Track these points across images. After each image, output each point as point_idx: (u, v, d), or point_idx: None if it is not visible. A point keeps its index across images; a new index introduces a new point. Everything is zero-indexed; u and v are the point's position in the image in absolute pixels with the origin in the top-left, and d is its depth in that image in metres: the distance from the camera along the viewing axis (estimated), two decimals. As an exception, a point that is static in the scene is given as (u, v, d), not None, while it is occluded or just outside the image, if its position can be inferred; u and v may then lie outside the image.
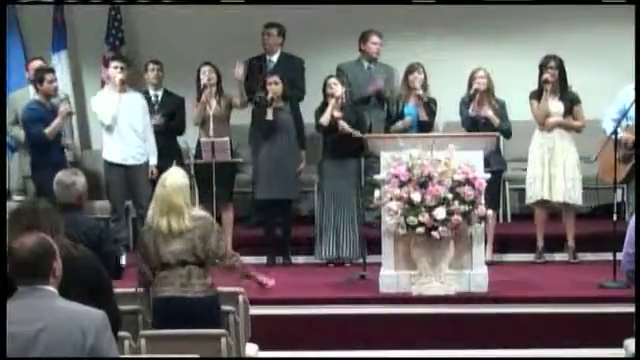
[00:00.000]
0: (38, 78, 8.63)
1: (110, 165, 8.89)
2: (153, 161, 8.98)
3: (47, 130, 8.49)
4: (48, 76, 8.64)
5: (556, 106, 8.63)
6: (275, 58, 9.69)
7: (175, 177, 5.66)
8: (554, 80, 8.59)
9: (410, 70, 8.78)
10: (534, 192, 8.65)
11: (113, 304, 4.72)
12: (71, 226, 5.43)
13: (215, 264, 5.67)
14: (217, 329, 5.36)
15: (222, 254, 5.65)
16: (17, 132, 9.09)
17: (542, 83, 8.58)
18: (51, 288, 3.54)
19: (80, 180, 5.81)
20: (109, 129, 8.85)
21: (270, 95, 8.83)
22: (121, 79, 8.84)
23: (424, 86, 8.75)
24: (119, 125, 8.81)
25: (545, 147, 8.63)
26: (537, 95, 8.67)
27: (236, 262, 5.80)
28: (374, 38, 9.54)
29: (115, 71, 8.89)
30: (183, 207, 5.53)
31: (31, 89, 9.14)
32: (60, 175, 5.82)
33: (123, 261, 6.11)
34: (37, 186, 8.65)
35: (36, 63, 9.26)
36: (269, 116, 8.85)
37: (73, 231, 5.37)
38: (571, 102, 8.68)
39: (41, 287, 3.52)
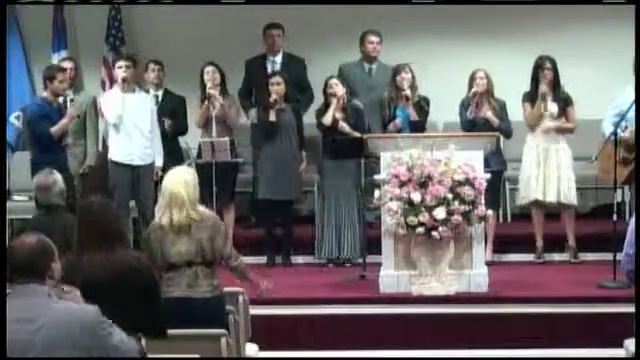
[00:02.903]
0: (49, 76, 8.59)
1: (117, 165, 8.84)
2: (159, 162, 8.93)
3: (53, 129, 8.45)
4: (59, 75, 8.59)
5: (551, 107, 8.62)
6: (279, 59, 9.70)
7: (179, 172, 5.68)
8: (550, 80, 8.58)
9: (397, 71, 8.72)
10: (528, 193, 8.64)
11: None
12: (58, 229, 5.34)
13: (220, 265, 5.66)
14: (220, 329, 5.35)
15: (227, 255, 5.64)
16: None
17: (540, 84, 8.55)
18: (46, 288, 3.53)
19: (59, 178, 5.73)
20: (115, 128, 8.82)
21: (274, 97, 8.83)
22: (123, 77, 8.81)
23: (413, 86, 8.69)
24: (125, 125, 8.77)
25: (540, 147, 8.61)
26: (530, 97, 8.64)
27: (240, 264, 5.79)
28: (371, 37, 9.55)
29: (120, 70, 8.87)
30: (185, 200, 5.49)
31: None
32: (39, 178, 5.71)
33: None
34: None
35: (67, 64, 9.32)
36: (272, 118, 8.85)
37: (60, 234, 5.21)
38: (565, 103, 8.67)
39: (36, 286, 3.51)
